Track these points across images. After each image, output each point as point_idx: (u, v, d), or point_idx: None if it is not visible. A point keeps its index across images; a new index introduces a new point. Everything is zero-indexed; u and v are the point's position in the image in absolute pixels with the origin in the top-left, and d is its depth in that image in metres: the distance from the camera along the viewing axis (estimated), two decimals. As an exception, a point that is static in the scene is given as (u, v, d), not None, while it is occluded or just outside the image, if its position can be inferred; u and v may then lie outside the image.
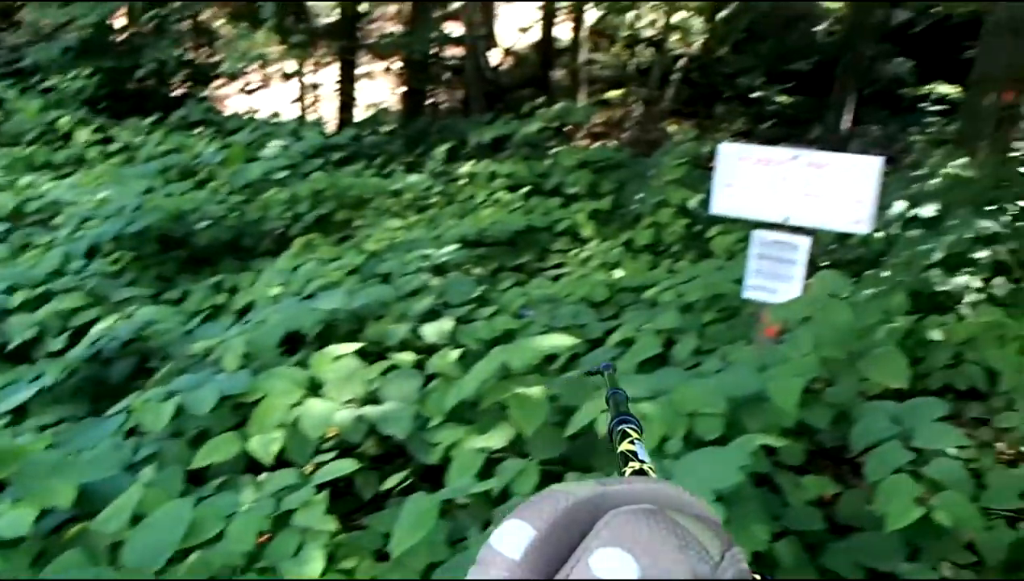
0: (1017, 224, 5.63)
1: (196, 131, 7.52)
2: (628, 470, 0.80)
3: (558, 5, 14.31)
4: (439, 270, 4.39)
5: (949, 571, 2.72)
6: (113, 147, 7.01)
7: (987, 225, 5.10)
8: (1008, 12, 7.41)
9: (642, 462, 0.81)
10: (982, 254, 5.14)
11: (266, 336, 3.07)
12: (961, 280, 4.96)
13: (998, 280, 5.10)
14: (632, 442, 0.85)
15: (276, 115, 8.74)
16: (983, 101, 7.72)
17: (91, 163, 6.97)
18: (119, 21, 10.74)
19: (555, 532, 0.42)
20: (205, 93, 9.73)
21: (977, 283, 5.05)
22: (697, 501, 0.48)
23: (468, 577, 0.42)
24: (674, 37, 17.10)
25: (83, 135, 7.13)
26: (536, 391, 2.54)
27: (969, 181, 5.88)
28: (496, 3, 18.27)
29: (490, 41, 14.09)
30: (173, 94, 9.57)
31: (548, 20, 13.94)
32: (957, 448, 3.51)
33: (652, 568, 0.38)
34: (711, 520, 0.46)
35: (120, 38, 10.44)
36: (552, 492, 0.45)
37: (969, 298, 4.91)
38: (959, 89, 15.59)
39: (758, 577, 0.49)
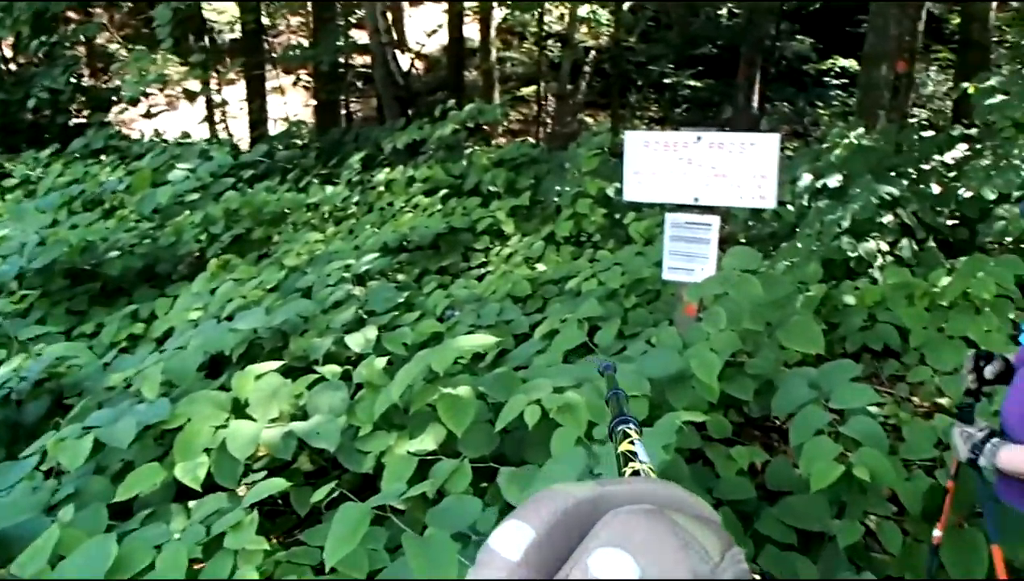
0: (918, 188, 5.89)
1: (100, 159, 7.27)
2: (628, 470, 0.81)
3: (466, 6, 14.31)
4: (361, 280, 4.35)
5: (873, 524, 2.83)
6: (9, 182, 6.73)
7: (889, 190, 5.31)
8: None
9: (642, 462, 0.81)
10: (887, 219, 5.36)
11: (185, 361, 3.00)
12: (871, 246, 5.16)
13: (904, 242, 5.33)
14: (632, 442, 0.86)
15: (185, 136, 8.52)
16: (878, 73, 8.04)
17: (-11, 201, 6.68)
18: (5, 51, 10.31)
19: (554, 533, 0.42)
20: (108, 119, 9.40)
21: (884, 247, 5.26)
22: (696, 501, 0.48)
23: (469, 575, 0.42)
24: (582, 30, 17.30)
25: (-23, 172, 6.84)
26: (464, 390, 2.55)
27: (869, 149, 6.11)
28: (404, 7, 18.20)
29: (400, 46, 14.02)
30: (72, 123, 9.23)
31: (457, 21, 13.93)
32: (876, 406, 3.66)
33: (652, 568, 0.38)
34: (711, 520, 0.46)
35: (8, 69, 10.02)
36: (551, 492, 0.45)
37: (879, 262, 5.11)
38: (856, 64, 16.21)
39: (758, 577, 0.49)
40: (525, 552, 0.41)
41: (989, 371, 2.11)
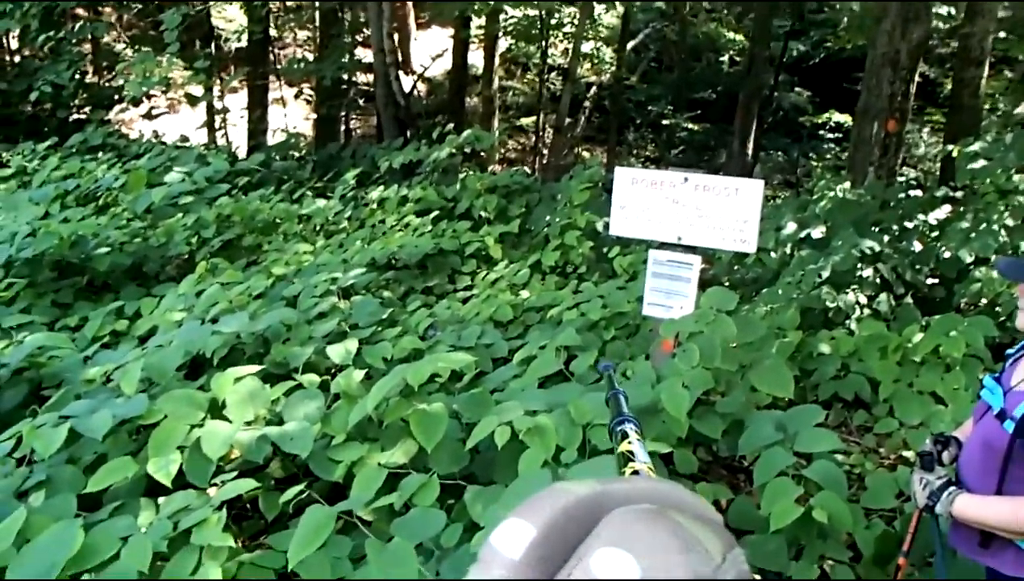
0: (900, 244, 6.01)
1: (96, 156, 7.32)
2: (628, 470, 0.83)
3: (472, 33, 14.52)
4: (347, 293, 4.40)
5: (829, 568, 2.88)
6: (5, 172, 6.76)
7: (870, 245, 5.43)
8: (888, 47, 7.93)
9: (641, 462, 0.83)
10: (867, 273, 5.46)
11: (166, 360, 3.03)
12: (850, 298, 5.27)
13: (882, 296, 5.44)
14: (631, 442, 0.88)
15: (184, 140, 8.59)
16: (869, 130, 8.22)
17: (-17, 189, 6.71)
18: (11, 43, 10.38)
19: (555, 531, 0.42)
20: (108, 117, 9.46)
21: (863, 299, 5.36)
22: (698, 501, 0.48)
23: (468, 576, 0.42)
24: (585, 66, 17.55)
25: (-27, 160, 6.87)
26: (436, 407, 2.59)
27: (853, 203, 6.24)
28: (411, 30, 18.41)
29: (404, 68, 14.18)
30: (72, 118, 9.28)
31: (462, 48, 14.12)
32: (842, 454, 3.73)
33: (653, 569, 0.38)
34: (712, 520, 0.46)
35: (13, 60, 10.09)
36: (553, 491, 0.45)
37: (856, 314, 5.21)
38: (851, 119, 16.50)
39: (758, 578, 0.49)
40: (526, 550, 0.41)
41: (947, 456, 2.18)
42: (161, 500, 2.50)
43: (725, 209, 3.43)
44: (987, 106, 12.72)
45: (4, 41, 9.67)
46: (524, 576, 0.41)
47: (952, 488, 2.01)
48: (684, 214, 3.51)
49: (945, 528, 2.15)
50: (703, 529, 0.42)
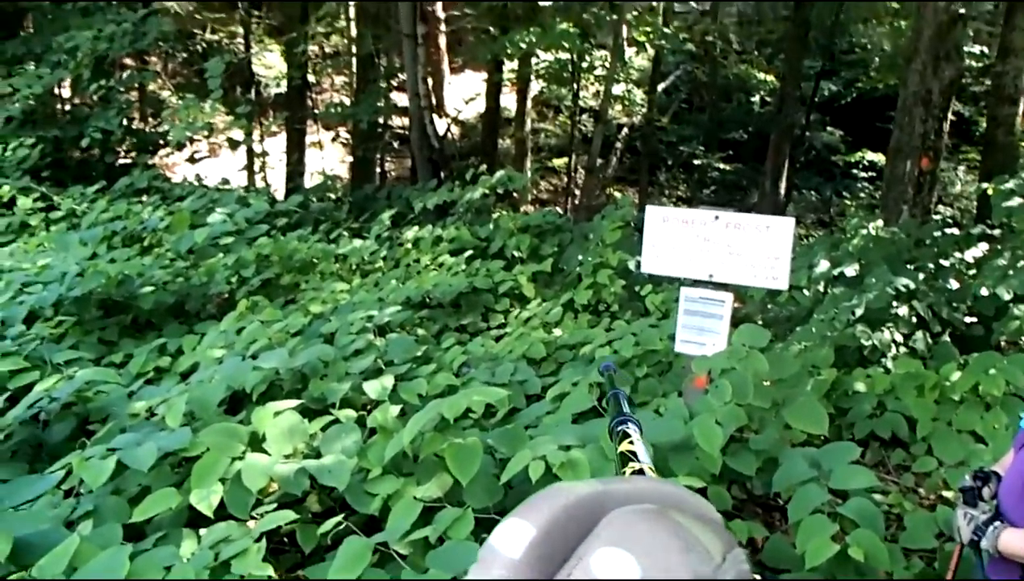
0: (936, 282, 5.97)
1: (141, 199, 7.56)
2: (628, 470, 0.84)
3: (505, 77, 14.79)
4: (382, 331, 4.48)
5: (867, 607, 2.84)
6: (56, 215, 7.01)
7: (905, 282, 5.40)
8: (919, 86, 7.94)
9: (642, 462, 0.85)
10: (903, 310, 5.42)
11: (209, 394, 3.12)
12: (885, 336, 5.23)
13: (918, 334, 5.39)
14: (632, 443, 0.89)
15: (225, 182, 8.83)
16: (902, 168, 8.20)
17: (33, 230, 6.96)
18: (64, 91, 10.80)
19: (555, 530, 0.43)
20: (152, 162, 9.79)
21: (899, 337, 5.32)
22: (698, 501, 0.49)
23: (469, 576, 0.44)
24: (616, 108, 17.73)
25: (25, 203, 7.12)
26: (472, 441, 2.63)
27: (886, 241, 6.22)
28: (445, 74, 18.78)
29: (438, 111, 14.46)
30: (118, 162, 9.62)
31: (495, 91, 14.38)
32: (880, 494, 3.69)
33: (653, 569, 0.39)
34: (713, 521, 0.47)
35: (65, 107, 10.50)
36: (553, 490, 0.46)
37: (892, 352, 5.17)
38: (884, 157, 16.43)
39: (759, 578, 0.48)
40: (526, 549, 0.42)
41: (987, 492, 2.17)
42: (202, 531, 2.57)
43: (756, 246, 3.46)
44: (1023, 143, 12.61)
45: (57, 90, 10.07)
46: (524, 575, 0.41)
47: (997, 523, 2.00)
48: (715, 252, 3.54)
49: (985, 562, 2.13)
50: (704, 529, 0.43)
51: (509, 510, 2.33)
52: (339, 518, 2.38)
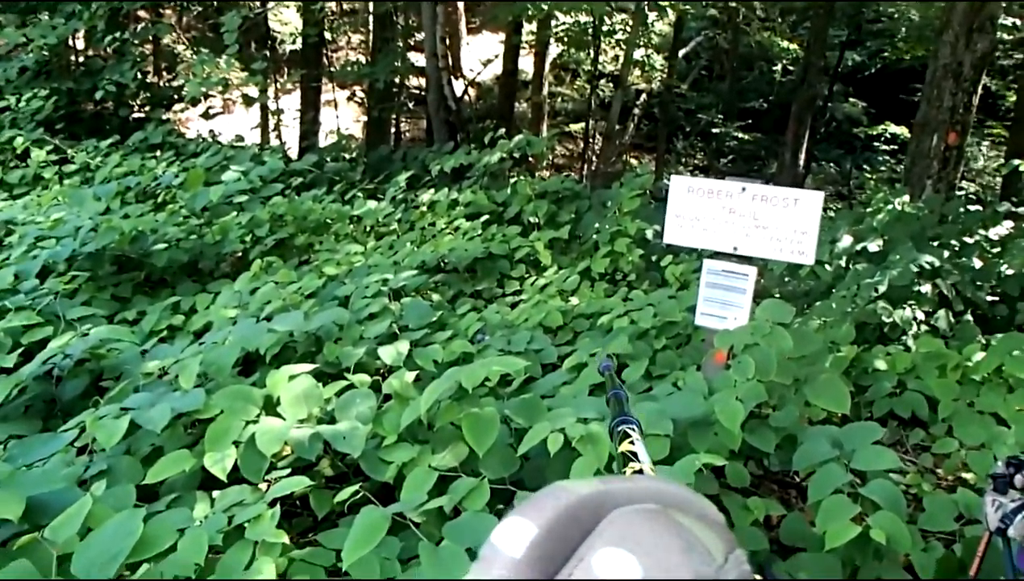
0: (960, 260, 5.86)
1: (155, 154, 7.50)
2: (628, 470, 0.82)
3: (523, 39, 14.56)
4: (397, 295, 4.43)
5: (886, 589, 2.80)
6: (70, 168, 6.96)
7: (930, 259, 5.30)
8: (950, 58, 7.75)
9: (642, 463, 0.83)
10: (925, 288, 5.33)
11: (223, 356, 3.08)
12: (907, 314, 5.14)
13: (940, 313, 5.30)
14: (632, 442, 0.87)
15: (239, 140, 8.75)
16: (928, 142, 8.04)
17: (47, 183, 6.92)
18: (78, 43, 10.70)
19: (557, 529, 0.42)
20: (167, 116, 9.71)
21: (920, 315, 5.23)
22: (700, 501, 0.47)
23: (470, 575, 0.42)
24: (635, 73, 17.48)
25: (39, 156, 7.07)
26: (489, 411, 2.59)
27: (912, 217, 6.10)
28: (462, 35, 18.54)
29: (455, 72, 14.28)
30: (133, 117, 9.54)
31: (513, 53, 14.17)
32: (898, 473, 3.64)
33: (655, 569, 0.37)
34: (714, 521, 0.46)
35: (79, 59, 10.40)
36: (555, 489, 0.45)
37: (913, 330, 5.08)
38: (907, 131, 16.18)
39: (759, 578, 0.47)
40: (527, 549, 0.41)
41: (1019, 480, 2.11)
42: (215, 494, 2.54)
43: (783, 220, 3.38)
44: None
45: (70, 42, 9.97)
46: (525, 575, 0.40)
47: None
48: (741, 224, 3.46)
49: (1014, 551, 2.09)
50: (705, 530, 0.42)
51: (525, 482, 2.29)
52: (356, 487, 2.35)
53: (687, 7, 13.31)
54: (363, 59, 14.91)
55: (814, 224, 3.33)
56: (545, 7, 9.91)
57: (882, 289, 4.94)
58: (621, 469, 0.84)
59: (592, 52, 15.04)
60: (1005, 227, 6.50)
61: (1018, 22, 11.52)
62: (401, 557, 2.31)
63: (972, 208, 7.15)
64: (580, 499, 0.44)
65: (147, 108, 9.80)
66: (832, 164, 18.97)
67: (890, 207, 6.20)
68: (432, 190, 6.85)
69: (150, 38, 11.71)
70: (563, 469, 2.48)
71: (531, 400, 2.84)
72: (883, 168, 18.22)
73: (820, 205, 3.33)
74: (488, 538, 0.42)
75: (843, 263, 5.75)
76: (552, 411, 2.68)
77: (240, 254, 5.66)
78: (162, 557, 2.00)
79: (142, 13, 13.21)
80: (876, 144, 18.33)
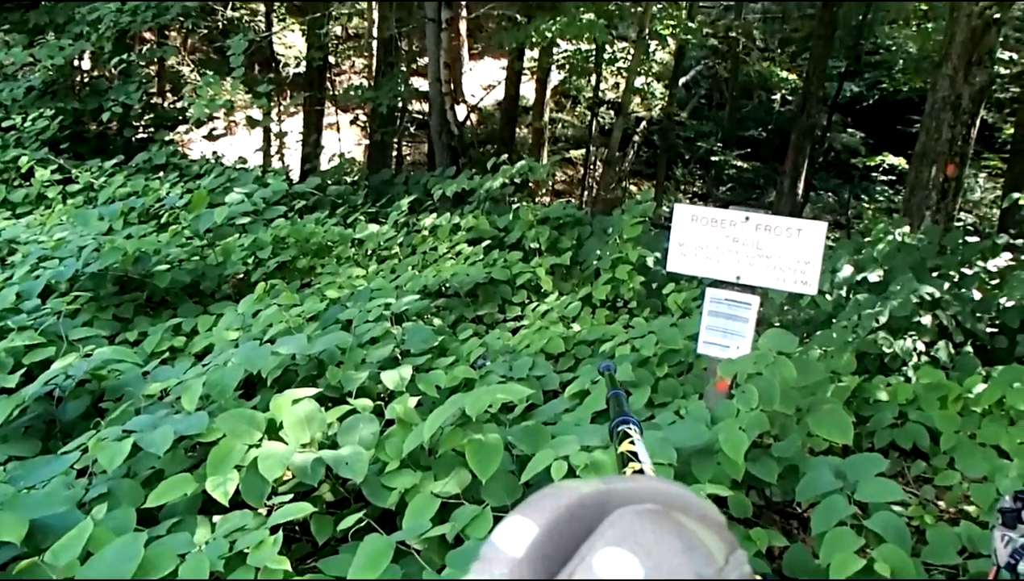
0: (959, 291, 5.87)
1: (159, 175, 7.53)
2: (628, 470, 0.83)
3: (525, 66, 14.68)
4: (399, 319, 4.43)
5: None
6: (73, 188, 6.98)
7: (930, 290, 5.31)
8: (949, 91, 7.82)
9: (642, 463, 0.83)
10: (926, 319, 5.34)
11: (225, 378, 3.07)
12: (907, 344, 5.14)
13: (940, 343, 5.30)
14: (632, 443, 0.88)
15: (242, 161, 8.78)
16: (927, 173, 8.09)
17: (50, 203, 6.93)
18: (84, 64, 10.77)
19: (558, 529, 0.42)
20: (169, 137, 9.76)
21: (921, 347, 5.23)
22: (702, 502, 0.47)
23: (470, 575, 0.42)
24: (635, 101, 17.62)
25: (43, 175, 7.09)
26: (493, 438, 2.58)
27: (912, 248, 6.13)
28: (464, 61, 18.68)
29: (457, 97, 14.39)
30: (137, 138, 9.59)
31: (515, 79, 14.29)
32: (900, 505, 3.62)
33: (656, 570, 0.38)
34: (716, 522, 0.45)
35: (85, 80, 10.46)
36: (556, 489, 0.45)
37: (914, 361, 5.08)
38: (905, 162, 16.29)
39: (759, 578, 0.47)
40: (528, 548, 0.41)
41: None
42: (215, 518, 2.53)
43: (787, 250, 3.39)
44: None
45: (76, 62, 10.04)
46: (526, 574, 0.40)
47: None
48: (744, 253, 3.48)
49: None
50: (707, 531, 0.42)
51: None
52: (360, 514, 2.34)
53: (688, 36, 13.43)
54: (366, 83, 15.01)
55: (817, 254, 3.35)
56: (549, 34, 10.00)
57: (883, 319, 4.95)
58: (621, 469, 0.84)
59: (594, 79, 15.15)
60: (1004, 259, 6.52)
61: (1015, 56, 11.65)
62: (403, 584, 2.29)
63: (971, 239, 7.17)
64: (581, 499, 0.44)
65: (151, 129, 9.85)
66: (830, 193, 19.08)
67: (891, 238, 6.22)
68: (434, 214, 6.88)
69: (155, 60, 11.79)
70: (566, 498, 2.47)
71: (534, 427, 2.83)
72: (881, 198, 18.33)
73: (824, 235, 3.35)
74: (489, 537, 0.42)
75: (843, 293, 5.75)
76: (555, 439, 2.67)
77: (242, 276, 5.66)
78: (163, 582, 1.98)
79: (147, 35, 13.33)
80: (874, 174, 18.45)
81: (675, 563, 0.38)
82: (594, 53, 13.85)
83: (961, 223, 11.37)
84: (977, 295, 5.86)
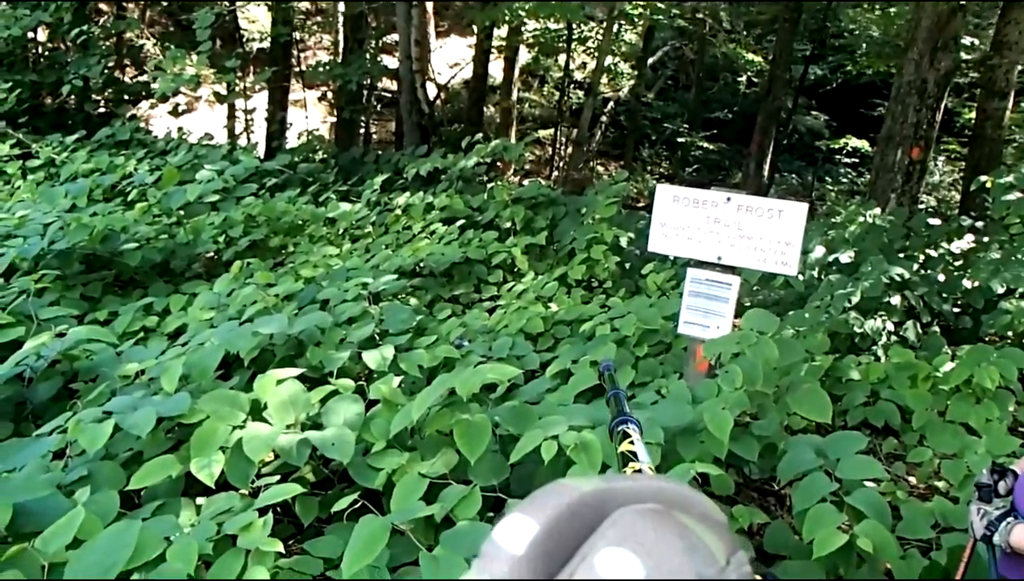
0: (925, 272, 5.99)
1: (123, 151, 7.33)
2: (628, 470, 0.83)
3: (493, 45, 14.56)
4: (376, 299, 4.38)
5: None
6: (34, 163, 6.77)
7: (899, 271, 5.40)
8: (915, 76, 7.93)
9: (642, 463, 0.84)
10: (895, 300, 5.44)
11: (205, 359, 3.02)
12: (877, 324, 5.23)
13: (909, 323, 5.40)
14: (632, 443, 0.88)
15: (208, 138, 8.60)
16: (892, 156, 8.21)
17: (10, 178, 6.72)
18: (40, 35, 10.43)
19: (558, 528, 0.41)
20: (131, 113, 9.51)
21: (890, 326, 5.33)
22: (703, 501, 0.47)
23: (470, 573, 0.41)
24: (603, 81, 17.59)
25: (2, 149, 6.88)
26: (480, 418, 2.57)
27: (882, 229, 6.22)
28: (431, 39, 18.47)
29: (425, 76, 14.24)
30: (97, 112, 9.31)
31: (483, 58, 14.16)
32: (873, 481, 3.70)
33: (657, 570, 0.38)
34: (717, 521, 0.45)
35: (42, 52, 10.13)
36: (557, 487, 0.44)
37: (883, 341, 5.18)
38: (868, 145, 16.54)
39: (759, 578, 0.47)
40: (528, 546, 0.41)
41: (1003, 487, 2.16)
42: (200, 500, 2.48)
43: (767, 231, 3.41)
44: (1005, 137, 12.72)
45: (31, 34, 9.71)
46: (526, 573, 0.40)
47: (1011, 519, 2.01)
48: (725, 234, 3.49)
49: (998, 557, 2.13)
50: (708, 531, 0.42)
51: (514, 489, 2.26)
52: (355, 495, 2.31)
53: (658, 17, 13.42)
54: (333, 59, 14.77)
55: (798, 235, 3.37)
56: (522, 13, 9.92)
57: (855, 300, 5.03)
58: (621, 469, 0.84)
59: (564, 58, 15.09)
60: (966, 241, 6.66)
61: (976, 41, 11.83)
62: (390, 564, 2.28)
63: (933, 221, 7.31)
64: (582, 497, 0.43)
65: (112, 104, 9.58)
66: (794, 175, 19.28)
67: (861, 219, 6.31)
68: (407, 193, 6.81)
69: (114, 33, 11.45)
70: (553, 477, 2.45)
71: (520, 407, 2.82)
72: (844, 180, 18.57)
73: (804, 217, 3.37)
74: (490, 535, 0.42)
75: (816, 274, 5.83)
76: (543, 419, 2.67)
77: (213, 255, 5.56)
78: (152, 566, 1.94)
79: (103, 6, 12.95)
80: (837, 157, 18.68)
81: (676, 563, 0.38)
82: (565, 32, 13.78)
83: (924, 205, 11.58)
84: (941, 277, 5.98)
